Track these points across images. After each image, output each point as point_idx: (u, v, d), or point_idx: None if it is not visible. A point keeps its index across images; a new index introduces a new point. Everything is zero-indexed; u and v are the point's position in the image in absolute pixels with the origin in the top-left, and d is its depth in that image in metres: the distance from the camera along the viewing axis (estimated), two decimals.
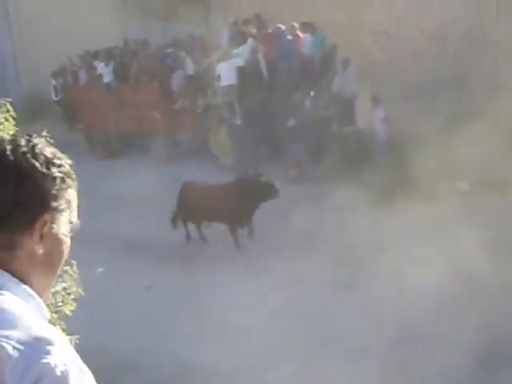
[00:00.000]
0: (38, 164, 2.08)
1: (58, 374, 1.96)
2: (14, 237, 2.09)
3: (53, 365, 1.96)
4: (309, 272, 12.51)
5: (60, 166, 2.14)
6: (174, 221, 14.37)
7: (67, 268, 7.62)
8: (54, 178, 2.11)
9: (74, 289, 7.79)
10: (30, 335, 1.98)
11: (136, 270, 13.44)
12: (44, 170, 2.09)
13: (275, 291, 12.03)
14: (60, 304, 7.35)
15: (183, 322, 11.51)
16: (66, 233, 2.20)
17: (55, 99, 21.93)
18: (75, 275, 7.73)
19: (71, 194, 2.17)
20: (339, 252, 13.06)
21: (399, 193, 14.43)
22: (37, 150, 2.10)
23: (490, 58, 16.48)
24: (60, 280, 7.47)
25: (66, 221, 2.18)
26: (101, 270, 13.20)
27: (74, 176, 2.18)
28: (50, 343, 1.99)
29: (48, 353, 1.97)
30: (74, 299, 7.82)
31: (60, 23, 23.34)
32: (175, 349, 10.43)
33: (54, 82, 21.90)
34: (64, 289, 7.57)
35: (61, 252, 2.20)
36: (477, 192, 14.45)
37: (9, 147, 2.09)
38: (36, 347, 1.97)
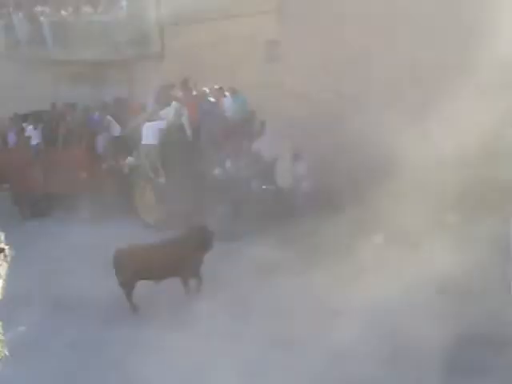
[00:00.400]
0: None
1: None
2: None
3: None
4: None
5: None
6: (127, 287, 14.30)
7: None
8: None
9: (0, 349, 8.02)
10: None
11: (63, 327, 13.63)
12: None
13: (200, 346, 12.37)
14: None
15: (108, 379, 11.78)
16: None
17: None
18: (1, 336, 7.96)
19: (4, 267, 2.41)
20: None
21: (306, 249, 15.03)
22: None
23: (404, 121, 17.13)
24: None
25: None
26: (28, 328, 13.32)
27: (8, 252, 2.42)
28: None
29: None
30: None
31: None
32: None
33: None
34: None
35: None
36: (391, 244, 15.01)
37: None
38: None
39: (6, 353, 8.03)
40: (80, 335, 13.25)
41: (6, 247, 2.27)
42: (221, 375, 11.36)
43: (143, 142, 18.04)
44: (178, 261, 14.10)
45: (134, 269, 13.99)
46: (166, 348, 12.29)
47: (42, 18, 22.93)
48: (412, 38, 17.01)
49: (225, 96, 18.51)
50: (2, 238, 2.30)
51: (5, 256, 2.28)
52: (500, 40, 15.46)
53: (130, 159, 17.97)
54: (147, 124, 18.01)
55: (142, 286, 14.24)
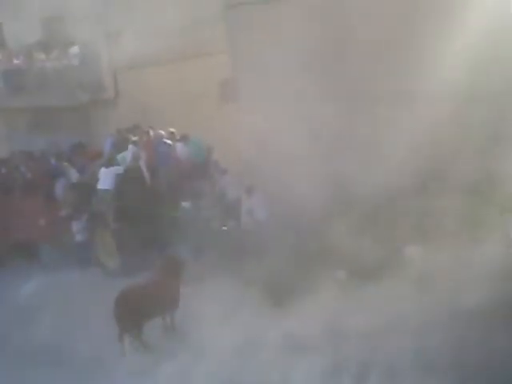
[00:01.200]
0: None
1: None
2: None
3: None
4: None
5: None
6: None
7: None
8: None
9: None
10: None
11: (27, 376, 13.37)
12: None
13: None
14: None
15: None
16: None
17: None
18: None
19: None
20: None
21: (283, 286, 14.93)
22: None
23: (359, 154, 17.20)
24: None
25: None
26: None
27: None
28: None
29: None
30: None
31: None
32: None
33: None
34: None
35: None
36: (353, 280, 14.98)
37: None
38: None
39: None
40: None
41: None
42: None
43: (99, 187, 17.88)
44: (173, 293, 14.15)
45: (141, 308, 13.72)
46: None
47: None
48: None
49: (178, 140, 18.46)
50: None
51: None
52: None
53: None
54: (104, 170, 17.87)
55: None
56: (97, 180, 18.24)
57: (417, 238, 15.36)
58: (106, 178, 17.74)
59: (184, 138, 18.42)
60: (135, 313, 13.70)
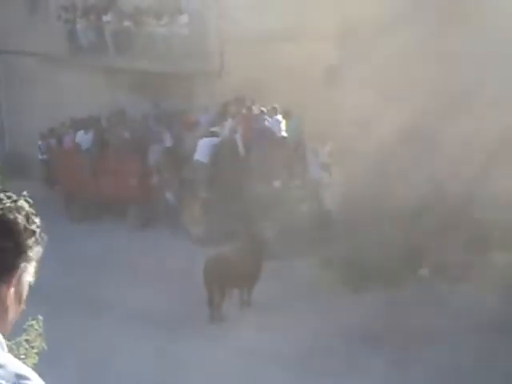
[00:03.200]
0: (20, 217, 2.21)
1: None
2: None
3: None
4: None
5: (36, 221, 2.27)
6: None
7: (33, 322, 7.81)
8: (33, 232, 2.24)
9: (38, 343, 7.96)
10: (9, 372, 2.13)
11: (101, 328, 13.57)
12: (25, 224, 2.22)
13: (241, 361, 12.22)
14: (23, 357, 7.51)
15: None
16: (28, 282, 2.30)
17: (41, 158, 22.17)
18: (40, 330, 7.91)
19: (39, 248, 2.28)
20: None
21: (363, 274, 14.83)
22: (19, 205, 2.23)
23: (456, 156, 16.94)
24: (25, 333, 7.66)
25: (31, 272, 2.29)
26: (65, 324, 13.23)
27: (42, 234, 2.29)
28: (30, 379, 2.14)
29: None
30: (36, 353, 7.99)
31: (48, 90, 23.84)
32: None
33: (40, 143, 22.22)
34: (27, 341, 7.72)
35: (21, 298, 2.29)
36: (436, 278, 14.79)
37: None
38: (18, 382, 2.12)
39: (45, 346, 7.99)
40: (120, 338, 13.15)
41: (38, 230, 2.14)
42: None
43: (195, 158, 17.98)
44: (255, 268, 14.26)
45: (226, 277, 13.92)
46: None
47: (105, 27, 23.08)
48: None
49: (277, 116, 18.35)
50: (36, 222, 2.18)
51: (36, 239, 2.14)
52: None
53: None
54: (202, 141, 17.96)
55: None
56: (190, 149, 18.39)
57: (505, 246, 15.03)
58: (202, 150, 17.83)
59: (287, 114, 18.30)
60: (221, 280, 13.86)
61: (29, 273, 2.27)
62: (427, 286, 14.66)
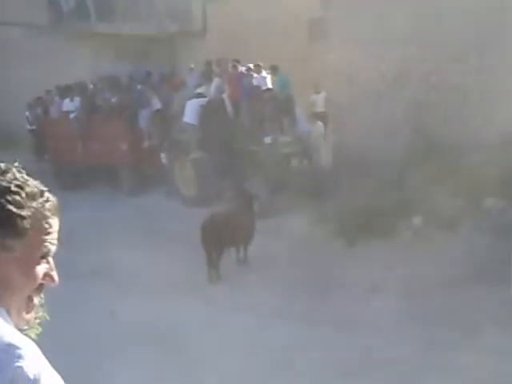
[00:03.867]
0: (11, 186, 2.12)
1: (31, 376, 2.01)
2: None
3: (25, 368, 2.01)
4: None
5: (31, 192, 2.16)
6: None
7: None
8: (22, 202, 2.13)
9: (40, 314, 7.98)
10: (3, 342, 2.04)
11: (100, 296, 13.60)
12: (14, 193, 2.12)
13: (254, 325, 12.28)
14: (26, 327, 7.53)
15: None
16: (36, 257, 2.19)
17: (29, 128, 22.06)
18: (41, 300, 7.92)
19: (44, 217, 2.18)
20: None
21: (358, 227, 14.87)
22: (9, 175, 2.14)
23: (447, 102, 16.94)
24: None
25: (35, 245, 2.17)
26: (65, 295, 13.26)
27: (50, 202, 2.20)
28: (21, 348, 2.04)
29: (20, 357, 2.02)
30: (39, 323, 8.01)
31: (33, 58, 23.65)
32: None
33: (27, 113, 22.10)
34: None
35: (27, 275, 2.18)
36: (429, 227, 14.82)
37: None
38: (8, 352, 2.03)
39: (47, 317, 8.01)
40: (118, 304, 13.17)
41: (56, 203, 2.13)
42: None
43: (184, 120, 17.91)
44: (248, 224, 14.25)
45: (223, 236, 13.95)
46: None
47: None
48: (457, 23, 16.77)
49: (262, 73, 18.26)
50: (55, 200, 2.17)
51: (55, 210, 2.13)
52: None
53: None
54: (190, 102, 17.84)
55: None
56: (179, 110, 18.31)
57: (497, 190, 15.08)
58: (191, 111, 17.72)
59: (273, 69, 18.19)
60: (218, 239, 13.91)
61: (29, 247, 2.16)
62: (421, 234, 14.70)
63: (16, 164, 2.23)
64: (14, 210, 2.12)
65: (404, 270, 13.44)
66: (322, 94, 18.31)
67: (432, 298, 12.47)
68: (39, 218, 2.17)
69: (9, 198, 2.11)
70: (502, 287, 12.38)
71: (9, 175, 2.15)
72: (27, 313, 2.26)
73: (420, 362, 10.74)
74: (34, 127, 21.96)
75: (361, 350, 11.12)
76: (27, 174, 2.21)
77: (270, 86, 17.94)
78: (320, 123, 17.56)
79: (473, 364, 10.21)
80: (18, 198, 2.13)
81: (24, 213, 2.14)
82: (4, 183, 2.13)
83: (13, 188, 2.13)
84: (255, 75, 18.18)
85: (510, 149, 14.70)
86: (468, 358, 10.61)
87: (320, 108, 18.25)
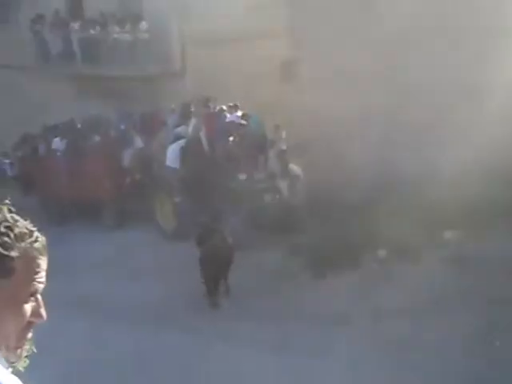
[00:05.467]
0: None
1: None
2: None
3: None
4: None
5: (20, 233, 2.18)
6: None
7: None
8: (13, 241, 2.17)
9: (28, 347, 8.45)
10: None
11: (88, 328, 13.98)
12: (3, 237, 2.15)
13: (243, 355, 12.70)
14: (14, 361, 7.99)
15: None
16: (24, 296, 2.22)
17: (10, 175, 22.36)
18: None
19: (32, 257, 2.21)
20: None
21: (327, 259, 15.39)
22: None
23: (409, 139, 17.49)
24: None
25: (23, 284, 2.20)
26: (53, 326, 13.61)
27: (38, 243, 2.25)
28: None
29: None
30: (26, 356, 8.48)
31: (20, 98, 24.16)
32: None
33: (6, 161, 22.45)
34: None
35: (19, 308, 2.23)
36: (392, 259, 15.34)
37: None
38: None
39: (34, 350, 8.48)
40: (108, 337, 13.56)
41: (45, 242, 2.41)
42: None
43: (167, 164, 18.33)
44: (231, 256, 14.62)
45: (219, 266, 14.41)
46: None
47: (71, 35, 23.45)
48: (421, 59, 17.37)
49: (237, 113, 18.86)
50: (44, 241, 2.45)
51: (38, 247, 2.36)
52: None
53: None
54: (170, 147, 18.24)
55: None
56: (159, 149, 18.86)
57: (456, 223, 15.66)
58: (172, 156, 18.14)
59: (244, 116, 18.75)
60: (216, 269, 14.47)
61: (18, 286, 2.20)
62: (385, 266, 15.22)
63: (7, 201, 2.27)
64: (3, 251, 2.13)
65: (370, 300, 13.92)
66: (283, 133, 18.64)
67: (396, 327, 12.92)
68: (28, 258, 2.19)
69: None
70: (463, 315, 12.93)
71: None
72: (17, 348, 2.30)
73: None
74: (14, 173, 22.25)
75: (328, 376, 11.62)
76: (17, 212, 2.23)
77: (243, 122, 18.54)
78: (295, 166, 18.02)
79: None
80: (6, 239, 2.14)
81: (12, 254, 2.14)
82: None
83: (2, 229, 2.14)
84: (228, 114, 18.83)
85: (468, 185, 15.25)
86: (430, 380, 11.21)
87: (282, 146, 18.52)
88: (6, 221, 2.17)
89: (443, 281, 14.13)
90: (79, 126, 21.65)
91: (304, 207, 17.22)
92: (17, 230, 2.18)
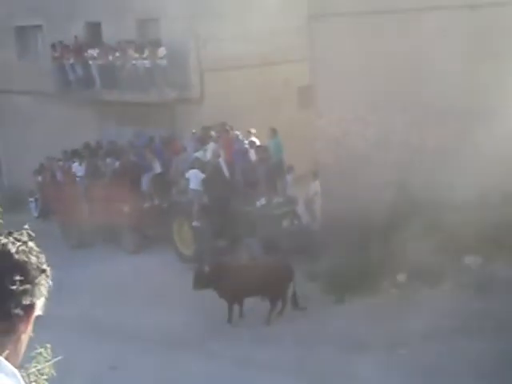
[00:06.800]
0: (33, 258, 2.25)
1: None
2: (14, 324, 2.24)
3: None
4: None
5: (43, 260, 2.28)
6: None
7: (41, 350, 8.07)
8: (43, 270, 2.28)
9: (47, 370, 8.22)
10: None
11: (104, 351, 13.81)
12: (38, 264, 2.26)
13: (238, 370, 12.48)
14: (33, 383, 7.77)
15: None
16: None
17: (36, 215, 21.96)
18: (48, 357, 8.17)
19: (48, 283, 2.31)
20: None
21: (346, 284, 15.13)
22: (30, 246, 2.26)
23: (426, 164, 17.26)
24: (34, 361, 7.92)
25: (41, 306, 2.31)
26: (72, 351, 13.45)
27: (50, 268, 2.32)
28: None
29: None
30: (46, 379, 8.26)
31: (41, 126, 24.18)
32: None
33: (31, 199, 22.34)
34: (37, 370, 7.99)
35: (30, 331, 2.31)
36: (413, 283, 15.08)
37: (11, 246, 2.23)
38: None
39: (53, 373, 8.26)
40: (121, 359, 13.38)
41: (48, 268, 2.36)
42: None
43: (191, 187, 18.09)
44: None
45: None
46: None
47: (91, 62, 23.42)
48: (437, 88, 17.18)
49: (252, 138, 18.72)
50: (44, 259, 2.39)
51: (46, 276, 2.34)
52: None
53: None
54: (192, 171, 18.05)
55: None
56: (178, 174, 18.72)
57: (476, 248, 15.38)
58: (194, 179, 17.98)
59: (272, 132, 18.47)
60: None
61: (39, 307, 2.30)
62: (405, 290, 14.96)
63: (26, 226, 2.37)
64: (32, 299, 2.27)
65: (390, 324, 13.67)
66: (317, 182, 18.33)
67: (417, 351, 12.67)
68: (47, 285, 2.32)
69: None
70: (484, 338, 12.66)
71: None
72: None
73: None
74: (36, 197, 22.13)
75: None
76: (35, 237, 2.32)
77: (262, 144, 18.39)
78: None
79: None
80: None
81: (41, 281, 2.29)
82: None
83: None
84: (245, 140, 18.67)
85: (486, 209, 15.00)
86: None
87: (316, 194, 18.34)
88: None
89: (464, 305, 13.82)
90: (98, 150, 21.52)
91: (324, 232, 16.97)
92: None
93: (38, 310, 2.31)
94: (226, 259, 15.44)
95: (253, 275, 14.39)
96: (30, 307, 2.26)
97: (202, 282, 14.36)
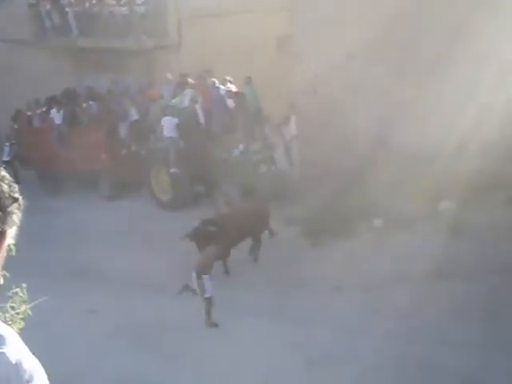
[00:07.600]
0: (5, 186, 2.22)
1: (13, 361, 2.14)
2: None
3: (7, 354, 2.13)
4: None
5: (15, 189, 2.25)
6: None
7: (17, 290, 7.99)
8: (15, 199, 2.24)
9: (23, 309, 8.15)
10: None
11: (83, 295, 13.76)
12: (9, 191, 2.22)
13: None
14: (10, 322, 7.71)
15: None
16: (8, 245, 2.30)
17: (5, 159, 21.24)
18: (24, 297, 8.10)
19: (20, 213, 2.27)
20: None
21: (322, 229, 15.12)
22: (2, 174, 2.23)
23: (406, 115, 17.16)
24: (10, 301, 7.84)
25: (13, 235, 2.28)
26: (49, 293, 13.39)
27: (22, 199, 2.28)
28: (3, 336, 2.16)
29: (2, 344, 2.14)
30: (22, 318, 8.19)
31: (17, 71, 23.76)
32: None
33: (7, 144, 21.97)
34: (12, 307, 7.90)
35: (1, 262, 2.29)
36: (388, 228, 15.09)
37: None
38: None
39: (29, 312, 8.19)
40: (98, 302, 13.35)
41: (20, 197, 2.26)
42: None
43: (165, 135, 17.94)
44: None
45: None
46: None
47: (67, 9, 23.00)
48: (414, 33, 17.02)
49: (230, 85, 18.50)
50: (16, 189, 2.29)
51: (19, 205, 2.26)
52: None
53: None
54: (166, 118, 17.90)
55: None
56: (155, 120, 18.53)
57: (451, 194, 15.39)
58: (169, 126, 17.81)
59: (247, 80, 18.36)
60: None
61: (10, 236, 2.27)
62: (381, 234, 14.98)
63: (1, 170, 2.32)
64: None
65: (365, 267, 13.71)
66: (292, 121, 18.32)
67: (392, 294, 12.73)
68: (19, 214, 2.27)
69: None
70: (457, 281, 12.70)
71: None
72: None
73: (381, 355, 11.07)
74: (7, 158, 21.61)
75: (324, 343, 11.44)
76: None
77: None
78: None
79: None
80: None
81: (13, 210, 2.25)
82: None
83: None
84: (222, 87, 18.47)
85: (463, 158, 14.99)
86: (422, 349, 10.99)
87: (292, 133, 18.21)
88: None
89: (438, 249, 13.85)
90: (77, 97, 21.20)
91: (301, 178, 16.92)
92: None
93: (10, 239, 2.27)
94: (218, 213, 15.25)
95: (245, 221, 14.43)
96: (2, 235, 2.22)
97: (205, 240, 14.00)
